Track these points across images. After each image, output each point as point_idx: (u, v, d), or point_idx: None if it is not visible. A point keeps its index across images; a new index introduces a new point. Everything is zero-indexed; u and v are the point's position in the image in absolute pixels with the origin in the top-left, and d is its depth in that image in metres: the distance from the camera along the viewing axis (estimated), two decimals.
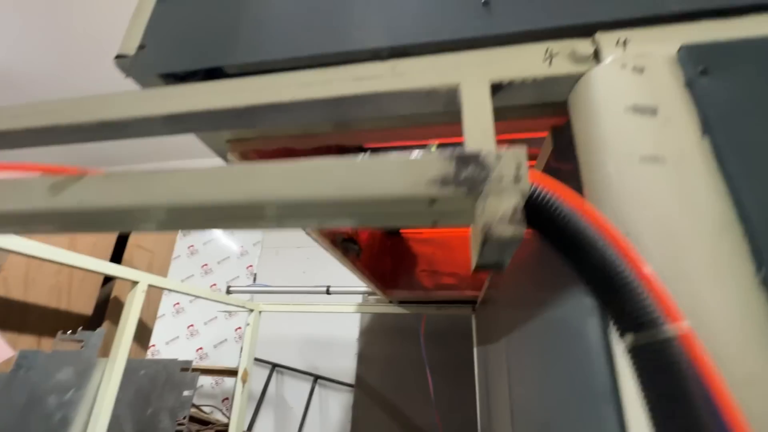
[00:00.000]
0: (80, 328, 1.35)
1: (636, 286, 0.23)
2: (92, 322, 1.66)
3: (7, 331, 1.51)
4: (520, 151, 0.29)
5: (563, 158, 0.44)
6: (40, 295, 1.60)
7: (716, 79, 0.32)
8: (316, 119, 0.45)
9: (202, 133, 0.57)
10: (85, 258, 1.23)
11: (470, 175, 0.28)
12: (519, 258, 0.65)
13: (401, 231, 1.66)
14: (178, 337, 3.20)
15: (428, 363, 1.95)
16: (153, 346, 3.12)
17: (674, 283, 0.26)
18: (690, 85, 0.33)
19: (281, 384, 2.95)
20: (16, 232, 0.42)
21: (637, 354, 0.23)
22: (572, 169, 0.37)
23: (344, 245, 1.04)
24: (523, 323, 0.73)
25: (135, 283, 1.44)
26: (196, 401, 2.82)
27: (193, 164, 0.35)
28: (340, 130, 0.54)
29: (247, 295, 2.27)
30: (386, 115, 0.43)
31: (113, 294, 1.77)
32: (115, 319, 1.56)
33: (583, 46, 0.38)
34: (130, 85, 0.51)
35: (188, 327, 3.21)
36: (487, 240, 0.27)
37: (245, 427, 2.61)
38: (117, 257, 1.88)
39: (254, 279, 3.29)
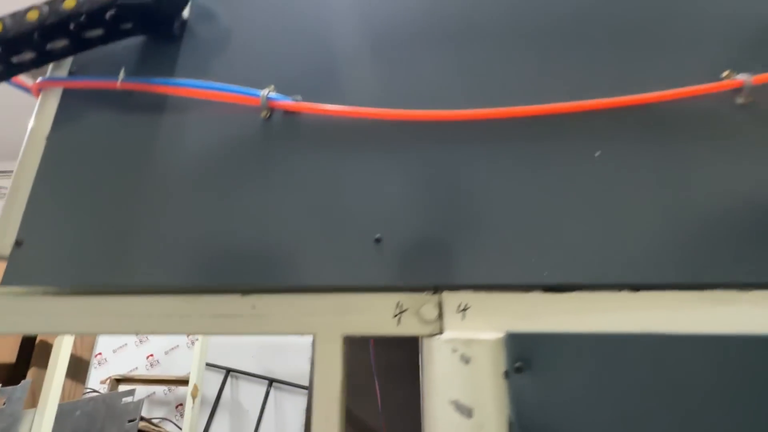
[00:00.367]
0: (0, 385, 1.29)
1: None
2: (17, 370, 1.59)
3: None
4: None
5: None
6: None
7: (531, 375, 0.35)
8: None
9: None
10: None
11: None
12: None
13: None
14: (126, 344, 3.13)
15: (378, 366, 2.04)
16: (99, 354, 3.04)
17: None
18: (507, 377, 0.36)
19: (236, 388, 2.99)
20: None
21: None
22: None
23: None
24: None
25: None
26: (147, 410, 2.82)
27: None
28: None
29: None
30: None
31: (39, 337, 1.69)
32: (43, 363, 1.50)
33: (429, 309, 0.39)
34: None
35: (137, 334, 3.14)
36: None
37: None
38: None
39: None
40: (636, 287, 0.39)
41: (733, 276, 0.39)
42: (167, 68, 0.56)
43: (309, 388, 2.20)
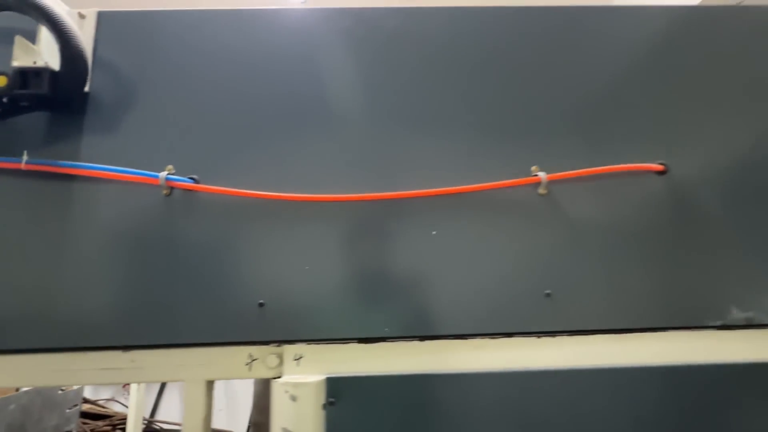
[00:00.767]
0: None
1: None
2: None
3: None
4: None
5: None
6: None
7: (340, 407, 0.49)
8: None
9: None
10: None
11: None
12: None
13: None
14: None
15: None
16: None
17: None
18: (324, 409, 0.50)
19: None
20: None
21: None
22: None
23: None
24: None
25: None
26: (94, 392, 2.85)
27: None
28: None
29: None
30: None
31: None
32: None
33: (272, 358, 0.52)
34: None
35: None
36: None
37: (148, 414, 2.75)
38: None
39: None
40: (422, 338, 0.54)
41: (522, 327, 0.56)
42: (71, 145, 0.59)
43: None
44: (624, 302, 0.59)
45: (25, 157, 0.57)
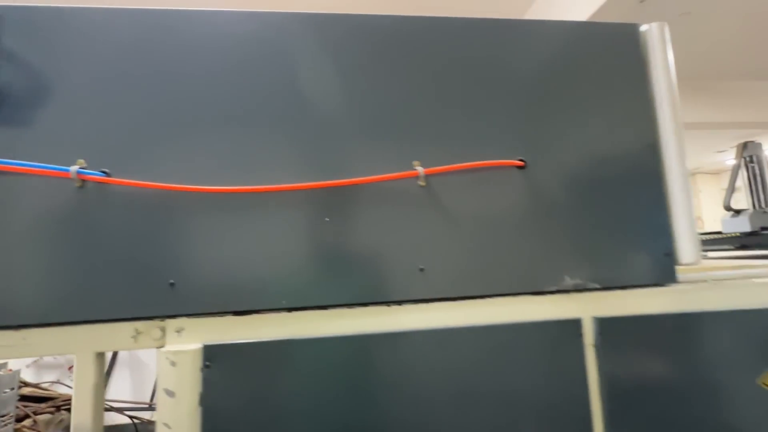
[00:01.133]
0: None
1: None
2: None
3: None
4: None
5: None
6: None
7: (215, 371, 0.58)
8: None
9: None
10: None
11: None
12: None
13: None
14: None
15: None
16: None
17: None
18: (202, 371, 0.58)
19: None
20: None
21: None
22: None
23: None
24: None
25: None
26: (36, 375, 2.81)
27: None
28: None
29: None
30: None
31: None
32: None
33: (155, 332, 0.60)
34: None
35: None
36: None
37: None
38: None
39: None
40: (290, 309, 0.63)
41: (398, 297, 0.67)
42: None
43: None
44: (484, 274, 0.71)
45: None
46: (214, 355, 0.59)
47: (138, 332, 0.60)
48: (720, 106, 3.91)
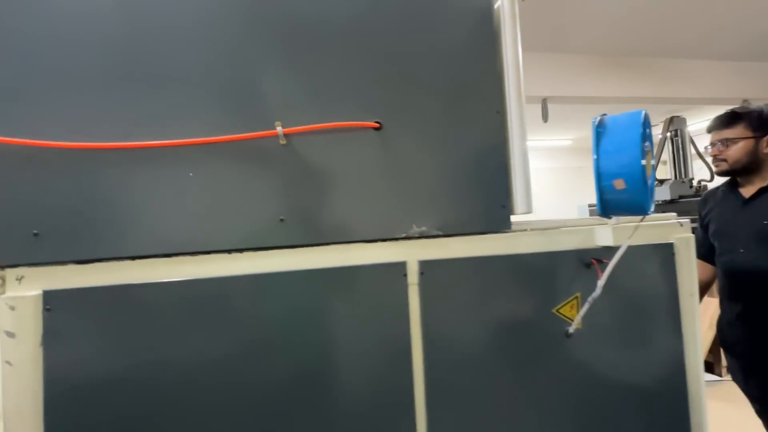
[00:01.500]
0: None
1: None
2: None
3: None
4: None
5: None
6: None
7: (54, 314, 0.64)
8: None
9: None
10: None
11: None
12: None
13: None
14: None
15: None
16: None
17: None
18: (43, 314, 0.63)
19: None
20: None
21: None
22: None
23: None
24: None
25: None
26: None
27: None
28: None
29: None
30: None
31: None
32: None
33: None
34: None
35: None
36: None
37: None
38: None
39: None
40: (133, 257, 0.69)
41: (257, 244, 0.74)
42: None
43: None
44: (340, 223, 0.80)
45: None
46: (54, 299, 0.64)
47: None
48: (646, 82, 4.19)
